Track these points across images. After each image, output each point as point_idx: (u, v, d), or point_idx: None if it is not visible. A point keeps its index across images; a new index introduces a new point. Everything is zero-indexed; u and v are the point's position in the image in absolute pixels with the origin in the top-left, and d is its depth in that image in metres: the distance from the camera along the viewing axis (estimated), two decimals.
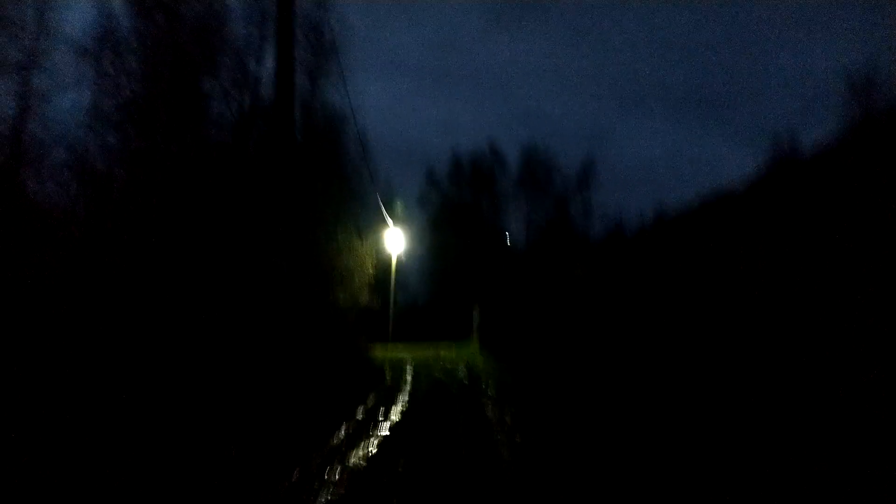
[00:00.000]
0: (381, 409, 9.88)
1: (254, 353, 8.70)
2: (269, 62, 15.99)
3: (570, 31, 69.74)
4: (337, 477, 6.11)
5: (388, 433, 8.15)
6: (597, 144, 71.68)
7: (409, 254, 35.49)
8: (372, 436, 7.93)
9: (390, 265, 30.17)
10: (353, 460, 6.71)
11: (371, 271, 22.89)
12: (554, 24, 69.75)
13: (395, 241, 30.49)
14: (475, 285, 33.38)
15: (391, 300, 29.38)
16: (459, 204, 41.42)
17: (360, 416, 9.19)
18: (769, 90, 63.80)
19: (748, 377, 6.01)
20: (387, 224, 29.99)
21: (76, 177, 13.71)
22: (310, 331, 12.53)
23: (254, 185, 13.56)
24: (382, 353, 21.79)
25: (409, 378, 14.67)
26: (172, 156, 13.81)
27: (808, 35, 63.86)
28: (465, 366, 17.29)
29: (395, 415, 9.43)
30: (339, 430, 8.11)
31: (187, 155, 14.03)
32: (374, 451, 7.11)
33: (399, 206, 34.47)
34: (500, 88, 68.43)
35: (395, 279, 30.53)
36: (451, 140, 72.87)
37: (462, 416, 9.44)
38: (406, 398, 11.35)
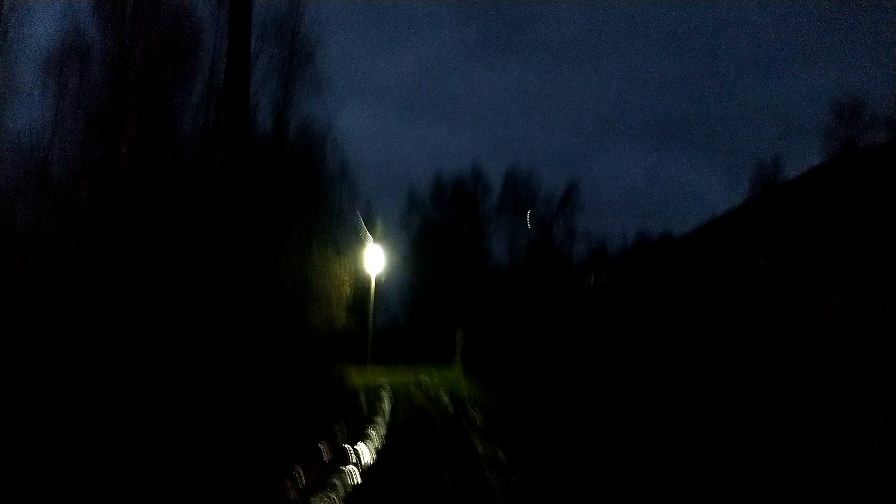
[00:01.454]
0: (353, 445, 8.26)
1: (191, 381, 7.09)
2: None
3: (550, 60, 69.51)
4: None
5: (357, 480, 6.53)
6: (578, 169, 71.13)
7: (390, 275, 33.90)
8: (337, 484, 6.31)
9: (370, 286, 28.55)
10: None
11: (349, 292, 21.26)
12: (534, 53, 69.54)
13: (375, 261, 28.91)
14: (458, 308, 31.84)
15: (370, 322, 27.66)
16: (441, 226, 40.06)
17: (326, 456, 7.56)
18: (751, 119, 63.79)
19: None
20: (366, 244, 28.45)
21: (36, 194, 12.38)
22: (276, 355, 10.90)
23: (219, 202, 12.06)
24: (360, 377, 20.04)
25: (387, 406, 13.01)
26: (141, 173, 12.41)
27: (788, 63, 64.25)
28: (449, 392, 15.65)
29: (368, 453, 7.81)
30: (298, 475, 6.48)
31: (156, 172, 12.62)
32: None
33: (380, 227, 32.99)
34: (483, 115, 67.61)
35: (376, 301, 28.88)
36: (434, 164, 71.74)
37: (448, 454, 7.86)
38: (383, 431, 9.72)
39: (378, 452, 7.84)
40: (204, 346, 7.11)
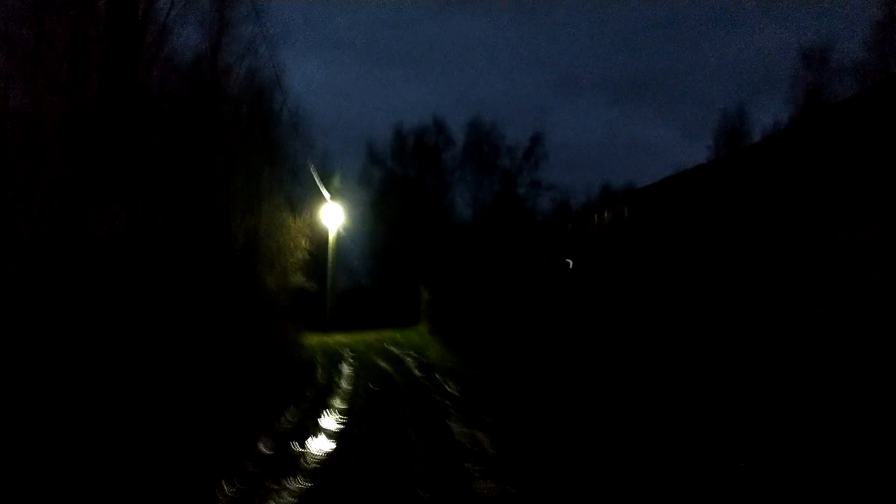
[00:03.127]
0: (302, 431, 6.56)
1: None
2: None
3: (511, 12, 66.64)
4: None
5: (304, 483, 4.85)
6: (541, 122, 69.33)
7: (352, 232, 31.88)
8: (277, 492, 4.62)
9: (330, 244, 26.53)
10: None
11: (307, 250, 19.30)
12: (495, 4, 66.46)
13: (334, 217, 26.82)
14: (422, 265, 30.18)
15: (329, 282, 25.77)
16: (403, 180, 38.04)
17: (266, 449, 5.84)
18: (713, 72, 62.56)
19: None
20: (325, 200, 26.29)
21: None
22: (209, 319, 9.02)
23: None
24: (319, 340, 18.31)
25: (348, 374, 11.33)
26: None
27: (750, 15, 62.96)
28: (417, 356, 14.07)
29: (319, 442, 6.13)
30: (223, 484, 4.74)
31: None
32: None
33: (339, 182, 30.72)
34: (444, 68, 64.86)
35: (336, 259, 26.91)
36: (394, 119, 68.86)
37: (418, 436, 6.24)
38: (341, 406, 8.04)
39: (334, 437, 6.16)
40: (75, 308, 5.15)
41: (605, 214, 5.15)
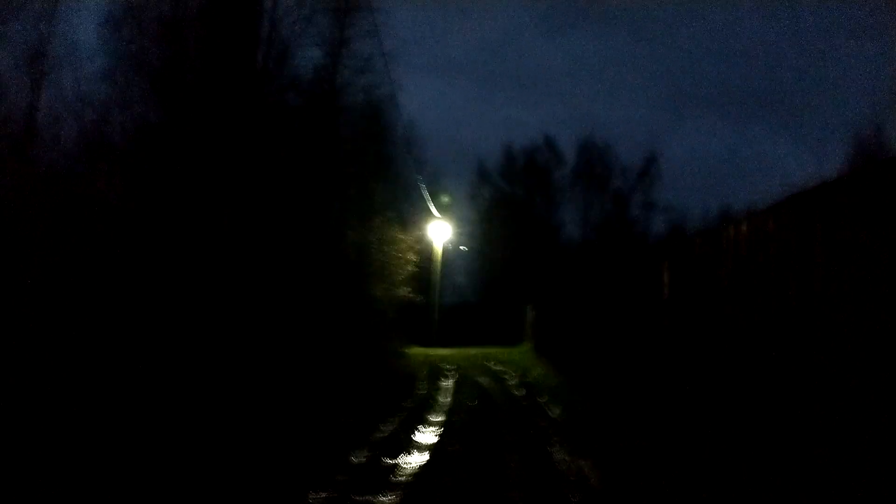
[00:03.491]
0: (396, 443, 6.33)
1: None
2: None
3: (624, 29, 64.75)
4: None
5: (392, 498, 4.57)
6: (655, 141, 66.15)
7: (459, 250, 31.99)
8: None
9: (437, 260, 26.69)
10: None
11: (414, 265, 19.45)
12: (607, 22, 64.87)
13: (442, 234, 26.99)
14: (528, 284, 29.54)
15: (436, 297, 25.86)
16: (512, 199, 37.63)
17: (357, 460, 5.66)
18: (841, 87, 56.83)
19: None
20: (434, 217, 26.56)
21: (90, 151, 11.11)
22: (325, 327, 9.13)
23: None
24: (422, 353, 18.28)
25: (447, 388, 11.07)
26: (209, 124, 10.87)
27: (873, 23, 56.84)
28: (519, 375, 13.53)
29: (412, 457, 5.85)
30: (309, 493, 4.58)
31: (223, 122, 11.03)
32: None
33: (448, 200, 30.96)
34: (555, 88, 63.95)
35: (442, 275, 27.01)
36: (505, 139, 68.89)
37: (515, 461, 5.79)
38: (438, 421, 7.76)
39: (430, 452, 5.87)
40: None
41: (742, 228, 4.40)
